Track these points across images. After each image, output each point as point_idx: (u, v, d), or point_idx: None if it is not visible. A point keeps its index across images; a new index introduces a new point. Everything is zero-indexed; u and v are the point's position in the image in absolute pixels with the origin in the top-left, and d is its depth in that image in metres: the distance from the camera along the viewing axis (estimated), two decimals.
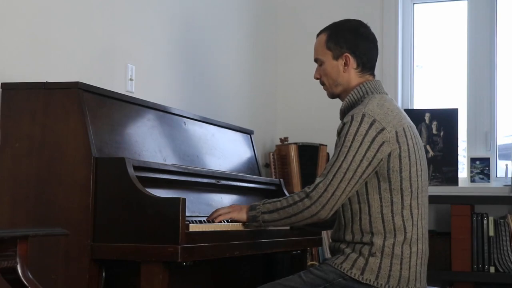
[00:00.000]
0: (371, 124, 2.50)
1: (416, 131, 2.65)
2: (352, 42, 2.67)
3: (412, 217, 2.53)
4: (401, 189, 2.52)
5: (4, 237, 1.97)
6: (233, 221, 2.67)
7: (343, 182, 2.47)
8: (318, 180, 2.50)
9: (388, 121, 2.52)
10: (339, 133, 2.56)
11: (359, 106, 2.58)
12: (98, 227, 2.43)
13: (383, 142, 2.50)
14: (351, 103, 2.65)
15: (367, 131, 2.49)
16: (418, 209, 2.56)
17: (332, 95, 2.76)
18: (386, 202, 2.51)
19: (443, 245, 4.34)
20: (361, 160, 2.47)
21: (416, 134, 2.63)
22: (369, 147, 2.48)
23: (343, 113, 2.68)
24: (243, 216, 2.63)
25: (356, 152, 2.47)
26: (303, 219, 2.52)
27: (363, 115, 2.51)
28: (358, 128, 2.49)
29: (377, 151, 2.49)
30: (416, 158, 2.56)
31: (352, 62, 2.67)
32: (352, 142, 2.48)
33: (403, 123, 2.57)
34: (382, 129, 2.50)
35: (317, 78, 2.75)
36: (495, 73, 4.69)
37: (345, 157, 2.48)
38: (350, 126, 2.51)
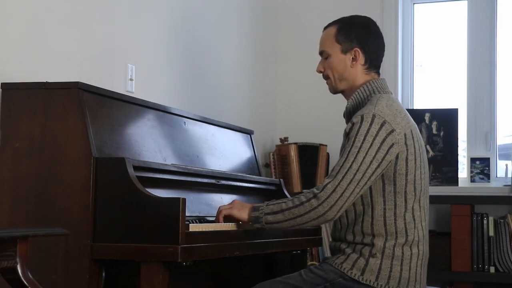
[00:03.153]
0: (382, 125, 2.47)
1: (419, 132, 2.64)
2: (363, 37, 2.64)
3: (414, 220, 2.52)
4: (405, 192, 2.50)
5: (4, 237, 1.97)
6: (231, 219, 2.64)
7: (352, 183, 2.43)
8: (326, 181, 2.46)
9: (397, 123, 2.50)
10: (347, 134, 2.53)
11: (367, 105, 2.55)
12: (98, 227, 2.43)
13: (393, 144, 2.47)
14: (357, 102, 2.62)
15: (377, 132, 2.46)
16: (420, 211, 2.55)
17: (334, 90, 2.72)
18: (389, 205, 2.50)
19: (443, 245, 4.34)
20: (371, 162, 2.44)
21: (420, 136, 2.62)
22: (379, 148, 2.45)
23: (349, 112, 2.65)
24: (243, 215, 2.58)
25: (366, 153, 2.44)
26: (309, 220, 2.47)
27: (374, 116, 2.48)
28: (368, 129, 2.46)
29: (386, 153, 2.46)
30: (420, 160, 2.55)
31: (361, 58, 2.64)
32: (362, 143, 2.45)
33: (410, 125, 2.55)
34: (392, 131, 2.48)
35: (321, 72, 2.71)
36: (495, 73, 4.69)
37: (355, 158, 2.44)
38: (360, 126, 2.47)
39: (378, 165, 2.46)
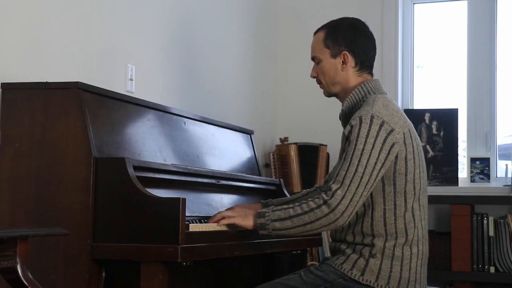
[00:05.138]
0: (381, 126, 2.46)
1: (416, 132, 2.64)
2: (351, 40, 2.64)
3: (414, 219, 2.52)
4: (405, 191, 2.50)
5: (4, 237, 1.97)
6: (234, 227, 2.61)
7: (360, 187, 2.42)
8: (334, 187, 2.43)
9: (395, 122, 2.50)
10: (347, 136, 2.51)
11: (364, 107, 2.54)
12: (98, 227, 2.43)
13: (393, 144, 2.47)
14: (353, 104, 2.62)
15: (377, 133, 2.45)
16: (420, 210, 2.54)
17: (329, 94, 2.72)
18: (389, 205, 2.50)
19: (443, 245, 4.34)
20: (375, 163, 2.43)
21: (416, 135, 2.61)
22: (381, 148, 2.45)
23: (345, 114, 2.65)
24: (248, 223, 2.55)
25: (370, 155, 2.43)
26: (320, 226, 2.44)
27: (372, 117, 2.47)
28: (369, 130, 2.45)
29: (388, 153, 2.46)
30: (419, 160, 2.55)
31: (351, 60, 2.64)
32: (364, 145, 2.44)
33: (407, 124, 2.55)
34: (392, 130, 2.47)
35: (314, 77, 2.72)
36: (495, 73, 4.69)
37: (359, 161, 2.43)
38: (360, 128, 2.46)
39: (382, 166, 2.45)
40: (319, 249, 4.46)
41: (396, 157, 2.48)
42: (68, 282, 2.45)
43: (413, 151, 2.52)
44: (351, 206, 2.42)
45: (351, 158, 2.44)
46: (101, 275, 2.48)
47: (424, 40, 4.90)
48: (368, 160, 2.43)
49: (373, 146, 2.44)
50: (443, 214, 4.51)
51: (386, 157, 2.46)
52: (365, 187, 2.43)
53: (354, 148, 2.45)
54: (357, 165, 2.43)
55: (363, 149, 2.44)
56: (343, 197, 2.41)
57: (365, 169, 2.42)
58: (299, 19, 4.92)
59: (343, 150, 2.54)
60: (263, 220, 2.51)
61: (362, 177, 2.42)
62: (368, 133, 2.45)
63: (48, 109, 2.54)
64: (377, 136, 2.45)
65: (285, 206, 2.51)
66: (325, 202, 2.42)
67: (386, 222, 2.49)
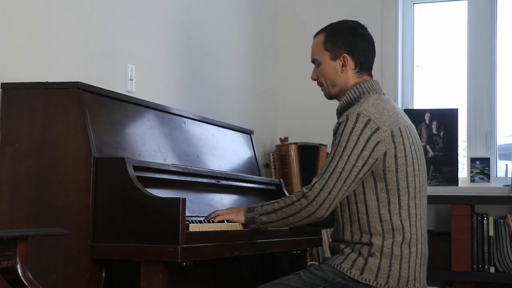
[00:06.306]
0: (366, 124, 2.50)
1: (415, 131, 2.65)
2: (350, 42, 2.67)
3: (409, 218, 2.54)
4: (398, 189, 2.52)
5: (4, 237, 1.97)
6: (231, 222, 2.69)
7: (339, 181, 2.48)
8: (314, 180, 2.52)
9: (383, 121, 2.52)
10: (334, 133, 2.57)
11: (354, 106, 2.59)
12: (98, 227, 2.43)
13: (378, 142, 2.50)
14: (347, 103, 2.66)
15: (362, 131, 2.49)
16: (416, 209, 2.56)
17: (329, 96, 2.76)
18: (383, 202, 2.52)
19: (443, 245, 4.35)
20: (356, 160, 2.48)
21: (414, 133, 2.63)
22: (364, 146, 2.49)
23: (340, 112, 2.69)
24: (241, 218, 2.65)
25: (351, 152, 2.48)
26: (300, 219, 2.53)
27: (358, 115, 2.51)
28: (353, 128, 2.50)
29: (372, 151, 2.49)
30: (413, 158, 2.56)
31: (350, 63, 2.67)
32: (347, 142, 2.49)
33: (399, 122, 2.56)
34: (377, 129, 2.50)
35: (315, 79, 2.76)
36: (495, 73, 4.69)
37: (340, 157, 2.49)
38: (345, 125, 2.51)
39: (364, 163, 2.49)
40: (319, 249, 4.46)
41: (385, 154, 2.51)
42: (68, 282, 2.45)
43: (405, 149, 2.54)
44: (329, 199, 2.49)
45: (333, 154, 2.52)
46: (101, 275, 2.48)
47: (424, 40, 4.90)
48: (349, 156, 2.48)
49: (355, 143, 2.49)
50: (443, 214, 4.51)
51: (370, 155, 2.49)
52: (344, 182, 2.48)
53: (337, 145, 2.52)
54: (338, 161, 2.49)
55: (345, 146, 2.50)
56: (320, 190, 2.49)
57: (345, 165, 2.48)
58: (299, 19, 4.92)
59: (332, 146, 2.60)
60: (252, 215, 2.62)
61: (341, 172, 2.48)
62: (352, 131, 2.50)
63: (48, 109, 2.54)
64: (361, 133, 2.50)
65: (273, 201, 2.60)
66: (304, 195, 2.52)
67: (382, 219, 2.51)
